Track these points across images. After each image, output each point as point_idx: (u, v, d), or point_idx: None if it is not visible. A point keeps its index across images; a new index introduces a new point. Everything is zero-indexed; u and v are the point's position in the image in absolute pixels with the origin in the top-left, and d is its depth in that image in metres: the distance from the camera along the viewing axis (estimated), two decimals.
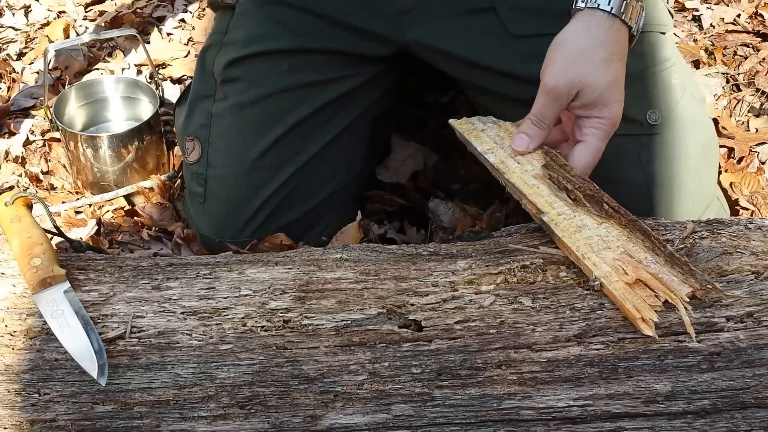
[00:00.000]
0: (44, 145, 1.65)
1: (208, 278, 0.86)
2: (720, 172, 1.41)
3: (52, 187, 1.57)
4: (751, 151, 1.51)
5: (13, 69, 1.83)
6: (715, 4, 1.97)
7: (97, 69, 1.84)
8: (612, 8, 0.94)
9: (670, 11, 1.19)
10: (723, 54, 1.80)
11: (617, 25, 0.95)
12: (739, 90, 1.70)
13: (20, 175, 1.56)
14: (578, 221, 0.86)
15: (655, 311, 0.77)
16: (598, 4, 0.95)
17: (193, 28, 1.97)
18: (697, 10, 1.95)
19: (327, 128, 1.29)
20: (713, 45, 1.84)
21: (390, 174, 1.51)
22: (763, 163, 1.50)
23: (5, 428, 0.75)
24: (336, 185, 1.33)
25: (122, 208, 1.51)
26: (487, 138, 0.99)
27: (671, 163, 1.15)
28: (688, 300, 0.78)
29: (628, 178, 1.14)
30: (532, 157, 0.94)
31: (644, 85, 1.15)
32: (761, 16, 1.93)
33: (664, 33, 1.18)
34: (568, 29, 0.97)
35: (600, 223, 0.86)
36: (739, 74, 1.74)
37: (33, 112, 1.72)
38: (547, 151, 0.95)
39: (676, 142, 1.16)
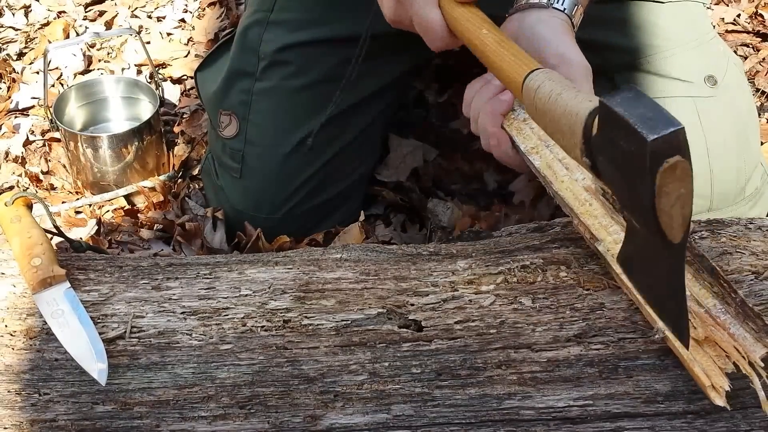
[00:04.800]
0: (44, 145, 1.65)
1: (208, 278, 0.86)
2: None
3: (52, 187, 1.57)
4: None
5: (13, 69, 1.83)
6: (715, 4, 1.97)
7: (97, 69, 1.84)
8: (565, 9, 0.96)
9: None
10: None
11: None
12: None
13: (20, 175, 1.56)
14: None
15: (726, 374, 0.67)
16: (555, 2, 0.96)
17: (193, 28, 1.97)
18: None
19: (363, 117, 1.34)
20: None
21: (390, 173, 1.51)
22: None
23: (5, 428, 0.75)
24: (363, 170, 1.42)
25: (122, 208, 1.51)
26: (530, 132, 0.84)
27: (726, 125, 1.20)
28: (762, 365, 0.67)
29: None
30: None
31: (699, 52, 1.21)
32: (761, 16, 1.93)
33: (707, 6, 1.25)
34: (549, 21, 0.96)
35: None
36: None
37: (33, 112, 1.72)
38: None
39: (729, 105, 1.20)
